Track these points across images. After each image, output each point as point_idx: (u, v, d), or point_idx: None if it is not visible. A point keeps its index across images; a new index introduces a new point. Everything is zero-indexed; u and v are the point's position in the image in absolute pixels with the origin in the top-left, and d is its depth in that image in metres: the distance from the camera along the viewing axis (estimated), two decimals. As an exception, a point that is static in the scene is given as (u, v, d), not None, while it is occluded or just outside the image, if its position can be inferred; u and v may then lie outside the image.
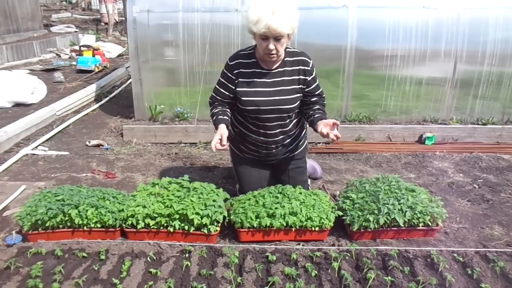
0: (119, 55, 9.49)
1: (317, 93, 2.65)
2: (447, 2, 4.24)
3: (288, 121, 2.66)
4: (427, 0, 4.23)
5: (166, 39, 4.33)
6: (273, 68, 2.55)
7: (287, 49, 2.56)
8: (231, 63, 2.58)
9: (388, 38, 4.26)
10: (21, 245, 2.32)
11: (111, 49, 9.46)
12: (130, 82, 5.98)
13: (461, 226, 2.68)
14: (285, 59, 2.55)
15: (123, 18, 11.82)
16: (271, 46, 2.34)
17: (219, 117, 2.56)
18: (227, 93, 2.61)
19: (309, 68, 2.58)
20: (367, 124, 4.40)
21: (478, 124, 4.44)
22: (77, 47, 8.59)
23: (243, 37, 4.25)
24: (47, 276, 2.05)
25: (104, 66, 7.43)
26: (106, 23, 12.79)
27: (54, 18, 13.49)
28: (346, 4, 4.22)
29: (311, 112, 2.59)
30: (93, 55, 7.41)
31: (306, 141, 2.97)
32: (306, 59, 2.59)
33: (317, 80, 2.65)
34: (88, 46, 7.67)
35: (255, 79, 2.55)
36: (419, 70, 4.37)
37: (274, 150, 2.74)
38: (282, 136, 2.69)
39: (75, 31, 11.46)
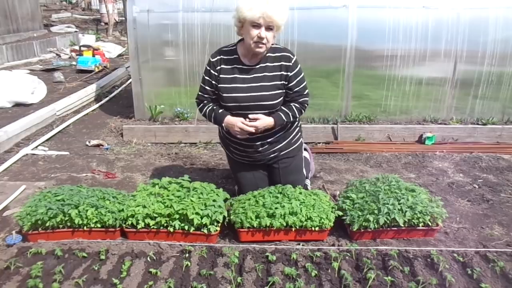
0: (119, 55, 9.49)
1: (296, 89, 2.58)
2: (447, 2, 4.24)
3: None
4: (427, 0, 4.23)
5: (166, 39, 4.33)
6: (255, 64, 2.54)
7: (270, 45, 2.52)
8: (213, 59, 2.57)
9: (388, 38, 4.26)
10: (21, 245, 2.32)
11: (111, 49, 9.46)
12: (130, 82, 5.99)
13: (461, 226, 2.68)
14: (267, 54, 2.54)
15: (123, 18, 11.83)
16: (263, 34, 2.34)
17: (220, 111, 2.58)
18: (212, 89, 2.60)
19: (290, 64, 2.54)
20: (367, 124, 4.40)
21: (478, 124, 4.44)
22: (77, 47, 8.59)
23: (243, 37, 4.25)
24: (47, 276, 2.05)
25: (104, 66, 7.43)
26: (106, 23, 12.80)
27: (54, 18, 13.50)
28: (346, 4, 4.22)
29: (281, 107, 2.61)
30: (93, 55, 7.41)
31: (301, 139, 2.89)
32: (289, 55, 2.56)
33: (300, 77, 2.58)
34: (88, 46, 7.68)
35: (236, 75, 2.54)
36: (419, 70, 4.37)
37: (260, 148, 2.67)
38: (265, 133, 2.61)
39: (75, 31, 11.47)
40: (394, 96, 4.46)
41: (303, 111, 2.67)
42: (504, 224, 2.70)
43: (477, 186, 3.29)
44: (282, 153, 2.75)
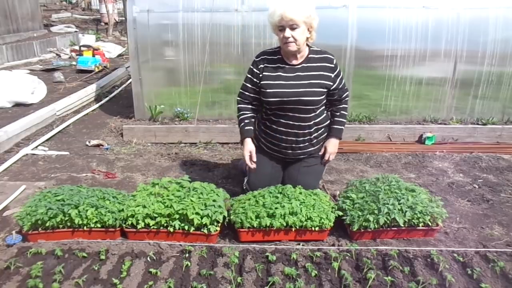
0: (119, 55, 9.49)
1: (340, 87, 2.76)
2: (447, 2, 4.24)
3: (312, 114, 2.69)
4: (427, 0, 4.23)
5: (166, 39, 4.33)
6: (297, 64, 2.67)
7: (311, 48, 2.71)
8: (257, 59, 2.75)
9: (388, 38, 4.26)
10: (21, 245, 2.32)
11: (111, 49, 9.46)
12: (130, 82, 5.99)
13: (461, 226, 2.68)
14: (309, 56, 2.69)
15: (123, 18, 11.83)
16: (287, 34, 2.48)
17: (246, 128, 2.75)
18: (254, 87, 2.73)
19: (332, 65, 2.70)
20: (367, 124, 4.40)
21: (478, 124, 4.44)
22: (77, 47, 8.59)
23: (243, 37, 4.25)
24: (47, 276, 2.05)
25: (104, 66, 7.43)
26: (106, 23, 12.80)
27: (54, 18, 13.50)
28: (346, 4, 4.22)
29: (332, 120, 2.85)
30: (93, 55, 7.41)
31: None
32: (330, 56, 2.73)
33: (341, 76, 2.77)
34: (88, 46, 7.67)
35: (279, 73, 2.68)
36: (419, 70, 4.37)
37: (293, 145, 2.77)
38: (302, 131, 2.73)
39: (75, 31, 11.47)
40: (394, 96, 4.46)
41: (347, 106, 2.90)
42: (504, 224, 2.71)
43: (477, 186, 3.29)
44: (311, 156, 2.87)
